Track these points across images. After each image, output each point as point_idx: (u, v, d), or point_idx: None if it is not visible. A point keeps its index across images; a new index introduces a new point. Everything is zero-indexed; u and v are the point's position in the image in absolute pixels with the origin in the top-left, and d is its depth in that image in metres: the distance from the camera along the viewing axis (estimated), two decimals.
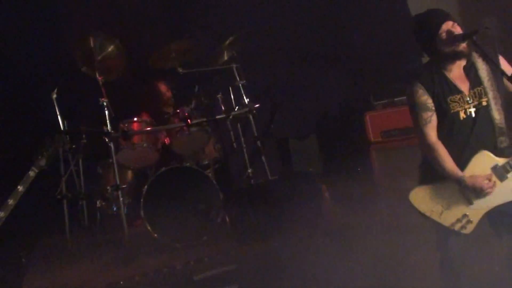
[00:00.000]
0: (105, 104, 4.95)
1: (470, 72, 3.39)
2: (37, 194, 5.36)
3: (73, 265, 4.90)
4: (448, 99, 3.34)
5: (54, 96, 5.11)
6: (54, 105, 5.11)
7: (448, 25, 3.32)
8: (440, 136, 3.35)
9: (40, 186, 5.28)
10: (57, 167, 5.18)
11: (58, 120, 5.12)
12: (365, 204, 5.05)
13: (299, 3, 6.18)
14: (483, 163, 3.25)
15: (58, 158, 5.14)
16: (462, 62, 3.40)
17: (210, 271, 4.40)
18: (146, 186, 4.99)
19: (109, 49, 5.23)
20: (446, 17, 3.35)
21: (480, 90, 3.33)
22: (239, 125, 5.72)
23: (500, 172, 3.23)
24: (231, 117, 5.23)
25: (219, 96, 5.56)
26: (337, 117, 6.56)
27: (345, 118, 6.44)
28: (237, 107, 5.53)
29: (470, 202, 3.25)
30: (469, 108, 3.32)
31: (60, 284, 4.48)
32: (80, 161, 5.20)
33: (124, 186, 5.05)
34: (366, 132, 5.63)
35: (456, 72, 3.40)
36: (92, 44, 5.13)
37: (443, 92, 3.35)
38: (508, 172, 3.22)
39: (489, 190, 3.19)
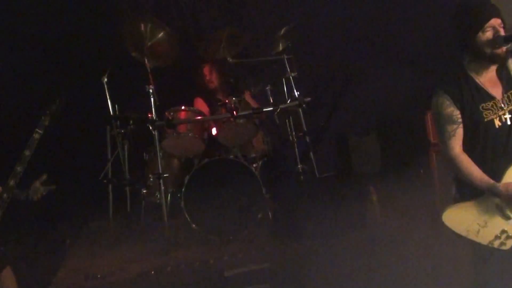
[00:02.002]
0: (151, 91, 5.25)
1: (502, 75, 3.31)
2: (84, 177, 5.97)
3: (111, 251, 5.31)
4: (480, 107, 3.26)
5: (105, 80, 5.46)
6: (105, 89, 5.47)
7: (496, 22, 3.20)
8: (474, 148, 3.31)
9: (88, 169, 5.89)
10: (105, 151, 5.62)
11: (108, 104, 5.48)
12: (418, 213, 5.02)
13: None
14: None
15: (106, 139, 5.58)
16: (495, 66, 3.31)
17: (242, 268, 4.60)
18: (187, 176, 5.29)
19: (159, 36, 5.52)
20: (496, 13, 3.23)
21: None
22: (291, 119, 5.87)
23: None
24: (279, 110, 5.40)
25: (268, 88, 5.70)
26: (399, 114, 6.50)
27: (407, 116, 6.40)
28: (289, 100, 5.70)
29: (508, 217, 3.22)
30: (504, 114, 3.26)
31: (95, 270, 4.83)
32: (126, 146, 5.55)
33: (166, 175, 5.30)
34: (427, 132, 5.60)
35: (487, 76, 3.31)
36: (142, 29, 5.44)
37: (474, 100, 3.27)
38: None
39: None
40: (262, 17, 6.27)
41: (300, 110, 5.60)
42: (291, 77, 5.71)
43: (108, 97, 5.47)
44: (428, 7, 6.02)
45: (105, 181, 5.53)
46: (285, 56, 5.75)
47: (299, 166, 5.71)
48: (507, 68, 3.33)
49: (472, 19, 3.22)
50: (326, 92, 6.64)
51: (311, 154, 5.68)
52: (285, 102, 5.65)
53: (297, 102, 5.45)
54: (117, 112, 5.52)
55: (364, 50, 6.47)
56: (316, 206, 5.01)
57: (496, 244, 3.27)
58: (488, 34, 3.19)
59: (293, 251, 4.85)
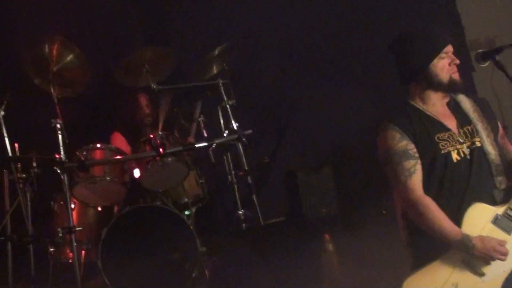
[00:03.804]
0: (58, 126, 4.79)
1: (455, 108, 3.31)
2: None
3: None
4: (436, 137, 3.20)
5: (1, 113, 5.01)
6: (1, 125, 5.00)
7: (450, 49, 3.29)
8: (429, 190, 3.18)
9: None
10: (1, 200, 5.13)
11: (5, 143, 5.00)
12: (383, 262, 4.68)
13: (309, 7, 6.11)
14: (479, 217, 3.10)
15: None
16: (446, 98, 3.33)
17: None
18: (105, 229, 4.85)
19: (67, 59, 5.17)
20: (449, 39, 3.32)
21: (471, 128, 3.23)
22: (228, 155, 5.55)
23: (504, 224, 3.09)
24: (214, 145, 5.06)
25: (200, 119, 5.43)
26: (356, 145, 6.36)
27: (366, 147, 6.23)
28: (226, 133, 5.38)
29: (481, 274, 3.04)
30: (462, 148, 3.19)
31: None
32: (28, 194, 5.08)
33: (79, 228, 4.83)
34: None
35: (439, 108, 3.32)
36: (46, 51, 5.06)
37: (427, 130, 3.23)
38: None
39: (503, 256, 3.01)
40: (193, 35, 5.98)
41: (240, 144, 5.27)
42: (228, 105, 5.44)
43: (5, 134, 4.99)
44: (381, 24, 6.00)
45: (2, 238, 5.00)
46: (220, 81, 5.48)
47: (241, 212, 5.36)
48: (457, 103, 3.33)
49: (427, 46, 3.29)
50: (269, 122, 6.43)
51: (254, 197, 5.34)
52: (222, 135, 5.33)
53: (235, 136, 5.10)
54: (17, 153, 5.06)
55: (313, 73, 6.34)
56: (262, 260, 4.78)
57: None
58: (444, 61, 3.26)
59: None
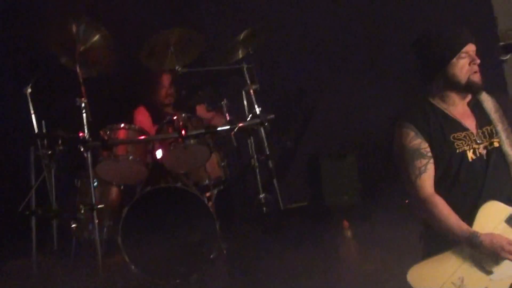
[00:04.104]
0: (83, 105, 4.96)
1: (476, 108, 3.27)
2: (3, 207, 5.63)
3: None
4: (451, 137, 3.19)
5: (29, 91, 5.14)
6: (28, 102, 5.14)
7: (471, 48, 3.23)
8: (444, 188, 3.19)
9: (8, 198, 5.56)
10: (28, 176, 5.28)
11: (32, 120, 5.16)
12: (403, 251, 4.56)
13: None
14: (493, 215, 3.08)
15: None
16: (467, 97, 3.29)
17: None
18: (126, 208, 5.00)
19: (94, 39, 5.27)
20: (471, 38, 3.25)
21: (491, 129, 3.20)
22: (251, 139, 5.58)
23: None
24: (236, 129, 5.13)
25: (224, 102, 5.44)
26: (381, 134, 6.21)
27: (391, 137, 6.22)
28: (249, 117, 5.45)
29: (489, 272, 3.02)
30: (479, 148, 3.18)
31: None
32: (53, 171, 5.21)
33: (101, 206, 5.00)
34: None
35: (459, 108, 3.29)
36: (74, 31, 5.17)
37: (443, 129, 3.22)
38: None
39: (510, 255, 2.98)
40: (219, 19, 6.05)
41: (262, 129, 5.36)
42: (251, 90, 5.48)
43: (32, 111, 5.15)
44: (411, 13, 5.97)
45: (27, 212, 5.16)
46: (245, 65, 5.53)
47: (261, 195, 5.44)
48: (479, 102, 3.28)
49: (446, 45, 3.24)
50: (295, 107, 6.45)
51: (275, 181, 5.43)
52: (244, 119, 5.39)
53: (258, 120, 5.20)
54: (43, 130, 5.18)
55: (340, 60, 6.33)
56: (280, 244, 4.76)
57: None
58: (464, 61, 3.21)
59: None
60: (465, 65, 3.21)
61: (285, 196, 5.80)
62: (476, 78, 3.22)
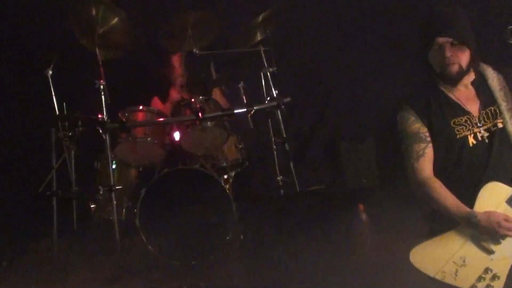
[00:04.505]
0: (102, 87, 5.03)
1: (480, 86, 3.26)
2: (24, 187, 5.73)
3: (54, 276, 5.01)
4: (452, 122, 3.21)
5: (50, 73, 5.22)
6: (49, 84, 5.23)
7: (444, 39, 3.19)
8: (443, 171, 3.22)
9: (29, 179, 5.66)
10: (48, 157, 5.37)
11: (53, 102, 5.25)
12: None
13: None
14: (494, 196, 3.10)
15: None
16: (470, 77, 3.29)
17: None
18: (144, 189, 5.06)
19: (113, 22, 5.30)
20: (444, 30, 3.20)
21: (494, 109, 3.19)
22: (269, 122, 5.66)
23: None
24: (253, 111, 5.14)
25: (241, 85, 5.49)
26: None
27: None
28: (267, 100, 5.48)
29: (490, 251, 3.04)
30: (479, 132, 3.19)
31: None
32: (73, 152, 5.32)
33: (119, 187, 5.11)
34: None
35: (461, 90, 3.29)
36: (93, 13, 5.22)
37: (444, 115, 3.24)
38: None
39: (509, 232, 2.98)
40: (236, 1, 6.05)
41: (279, 112, 5.39)
42: (268, 72, 5.53)
43: (53, 93, 5.24)
44: None
45: (48, 193, 5.26)
46: (262, 48, 5.58)
47: (279, 178, 5.51)
48: (484, 79, 3.28)
49: (422, 36, 3.29)
50: (313, 90, 6.44)
51: (291, 164, 5.46)
52: (263, 102, 5.42)
53: (274, 103, 5.17)
54: (65, 111, 5.29)
55: (359, 42, 6.27)
56: (296, 225, 4.79)
57: (481, 286, 3.04)
58: (435, 53, 3.23)
59: (268, 279, 4.60)
60: (436, 56, 3.23)
61: (305, 178, 5.85)
62: (453, 69, 3.21)
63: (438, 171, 3.25)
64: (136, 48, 5.57)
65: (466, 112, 3.24)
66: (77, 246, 5.36)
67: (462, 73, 3.24)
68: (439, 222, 3.22)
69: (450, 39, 3.19)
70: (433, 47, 3.22)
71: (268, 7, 5.51)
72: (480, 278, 3.02)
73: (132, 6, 5.61)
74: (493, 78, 3.29)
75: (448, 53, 3.19)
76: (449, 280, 3.05)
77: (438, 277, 3.06)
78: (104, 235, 5.34)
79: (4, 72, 5.83)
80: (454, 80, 3.26)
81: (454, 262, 3.07)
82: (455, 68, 3.21)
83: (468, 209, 3.07)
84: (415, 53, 3.47)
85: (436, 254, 3.10)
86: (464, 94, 3.30)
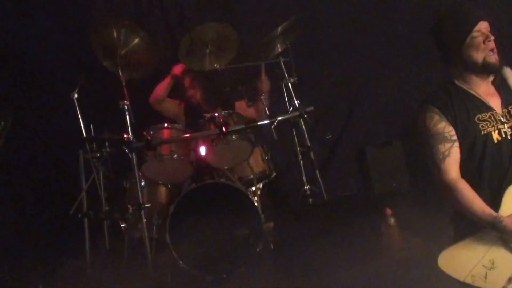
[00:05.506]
0: (126, 107, 5.12)
1: (501, 86, 3.24)
2: (55, 210, 5.88)
3: None
4: (476, 118, 3.18)
5: (75, 96, 5.30)
6: (75, 107, 5.31)
7: (483, 25, 3.19)
8: (470, 170, 3.20)
9: (60, 201, 5.80)
10: (77, 179, 5.46)
11: (80, 124, 5.33)
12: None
13: None
14: None
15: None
16: (491, 77, 3.26)
17: None
18: (172, 206, 5.15)
19: (134, 42, 5.42)
20: (481, 16, 3.21)
21: None
22: (294, 132, 5.70)
23: None
24: (276, 122, 5.20)
25: (263, 97, 5.55)
26: None
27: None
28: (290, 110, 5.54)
29: None
30: (504, 128, 3.17)
31: None
32: (101, 173, 5.41)
33: (148, 205, 5.16)
34: None
35: (482, 87, 3.26)
36: (115, 35, 5.35)
37: (468, 111, 3.20)
38: None
39: None
40: (256, 13, 6.16)
41: (302, 121, 5.45)
42: (289, 83, 5.58)
43: (79, 115, 5.32)
44: None
45: (79, 215, 5.39)
46: (281, 59, 5.63)
47: (306, 187, 5.56)
48: (504, 79, 3.26)
49: (457, 26, 3.22)
50: (336, 98, 6.50)
51: (317, 172, 5.52)
52: (286, 113, 5.44)
53: (297, 113, 5.21)
54: (92, 133, 5.39)
55: (383, 47, 6.31)
56: (325, 234, 4.84)
57: None
58: (477, 40, 3.18)
59: None
60: (479, 44, 3.18)
61: (335, 185, 5.89)
62: (493, 58, 3.19)
63: (462, 170, 3.22)
64: (159, 66, 5.66)
65: (489, 108, 3.22)
66: (110, 265, 5.44)
67: (501, 64, 3.24)
68: (465, 224, 3.22)
69: (487, 25, 3.21)
70: (472, 35, 3.18)
71: (286, 18, 5.54)
72: (510, 280, 3.03)
73: (153, 24, 5.71)
74: None
75: (491, 36, 3.19)
76: (479, 283, 3.05)
77: (468, 281, 3.06)
78: (136, 253, 5.39)
79: (32, 97, 5.96)
80: (495, 70, 3.22)
81: (483, 265, 3.07)
82: (496, 57, 3.21)
83: (494, 214, 3.05)
84: (435, 51, 3.42)
85: (464, 258, 3.10)
86: (486, 91, 3.28)
